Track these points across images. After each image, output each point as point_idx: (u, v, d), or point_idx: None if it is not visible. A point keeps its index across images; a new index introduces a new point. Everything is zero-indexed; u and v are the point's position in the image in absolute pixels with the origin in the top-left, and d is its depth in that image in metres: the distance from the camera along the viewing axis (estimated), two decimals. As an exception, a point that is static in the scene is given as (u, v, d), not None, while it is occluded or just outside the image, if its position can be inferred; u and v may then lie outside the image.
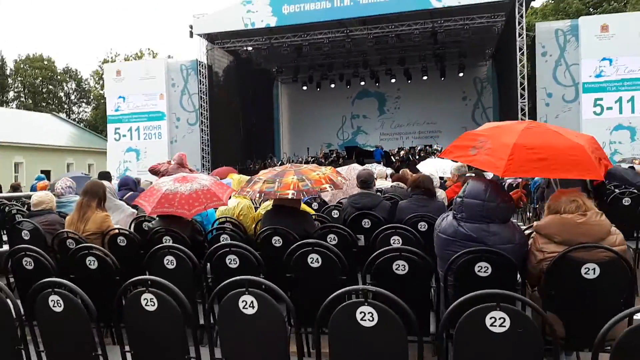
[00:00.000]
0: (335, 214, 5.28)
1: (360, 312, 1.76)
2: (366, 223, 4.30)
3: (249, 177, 5.31)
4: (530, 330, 1.63)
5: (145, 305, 2.09)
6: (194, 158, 20.53)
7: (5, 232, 5.33)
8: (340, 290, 1.81)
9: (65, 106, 45.85)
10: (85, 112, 46.95)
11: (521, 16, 18.64)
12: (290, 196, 3.61)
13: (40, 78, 43.05)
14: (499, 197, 2.47)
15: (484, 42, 23.46)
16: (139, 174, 17.82)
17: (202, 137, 22.35)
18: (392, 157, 22.63)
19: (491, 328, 1.65)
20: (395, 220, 4.42)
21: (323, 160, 23.12)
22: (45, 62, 43.35)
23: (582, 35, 18.47)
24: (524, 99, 18.97)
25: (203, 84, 22.30)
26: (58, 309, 2.21)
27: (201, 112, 22.27)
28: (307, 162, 22.97)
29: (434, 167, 8.71)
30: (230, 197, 4.32)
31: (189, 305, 2.05)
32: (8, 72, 42.68)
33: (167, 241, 3.81)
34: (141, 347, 2.18)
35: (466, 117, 26.75)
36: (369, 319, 1.75)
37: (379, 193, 5.23)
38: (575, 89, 18.74)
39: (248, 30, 21.25)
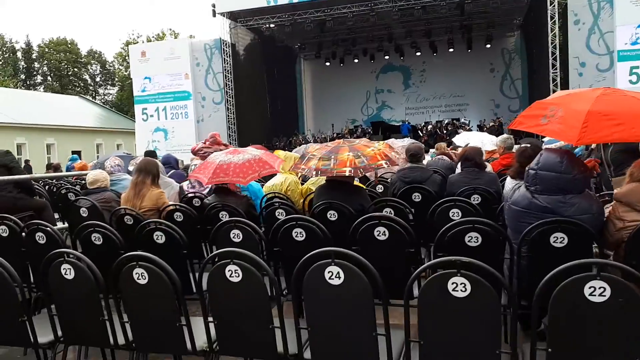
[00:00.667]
0: (379, 188, 5.28)
1: (453, 283, 1.76)
2: (416, 197, 4.28)
3: (295, 153, 5.34)
4: (631, 299, 1.62)
5: (230, 276, 2.14)
6: (221, 137, 20.66)
7: (59, 211, 5.48)
8: (429, 264, 1.81)
9: (91, 88, 46.46)
10: (111, 93, 47.54)
11: (553, -17, 18.03)
12: (347, 173, 3.62)
13: (65, 61, 43.58)
14: (575, 169, 2.43)
15: (512, 12, 22.76)
16: (167, 153, 17.99)
17: (228, 115, 22.43)
18: (419, 131, 22.39)
19: (590, 298, 1.65)
20: (446, 194, 4.40)
21: (348, 136, 23.00)
22: (69, 46, 43.80)
23: (616, 1, 17.76)
24: (556, 69, 18.48)
25: (227, 63, 22.27)
26: (143, 281, 2.28)
27: (226, 91, 22.30)
28: (332, 139, 22.91)
29: (471, 140, 8.58)
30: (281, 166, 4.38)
31: (266, 275, 2.08)
32: (34, 56, 43.31)
33: (224, 216, 3.88)
34: (225, 315, 2.24)
35: (494, 90, 26.21)
36: (461, 290, 1.76)
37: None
38: (610, 57, 18.13)
39: (271, 7, 21.03)
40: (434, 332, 1.87)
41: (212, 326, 2.30)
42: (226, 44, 22.25)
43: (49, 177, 7.34)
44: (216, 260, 2.19)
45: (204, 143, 8.24)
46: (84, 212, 4.29)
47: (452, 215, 3.39)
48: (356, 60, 26.57)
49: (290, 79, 28.13)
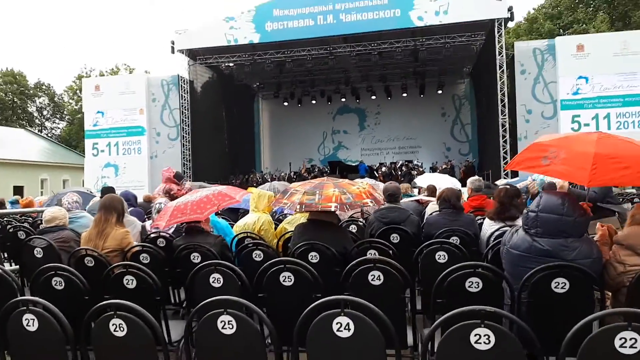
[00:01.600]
0: (353, 228, 5.17)
1: (476, 335, 1.65)
2: (395, 238, 4.20)
3: (270, 192, 5.18)
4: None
5: (222, 328, 1.94)
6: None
7: (4, 251, 5.01)
8: (462, 309, 1.69)
9: (37, 121, 44.53)
10: (59, 127, 45.72)
11: (500, 35, 19.13)
12: (333, 209, 3.49)
13: (11, 93, 41.74)
14: (576, 211, 2.41)
15: (463, 60, 23.96)
16: (118, 190, 17.28)
17: (184, 152, 21.97)
18: (374, 172, 22.70)
19: (621, 350, 1.57)
20: (424, 234, 4.35)
21: (306, 175, 23.01)
22: (17, 77, 42.10)
23: (559, 54, 19.04)
24: (505, 115, 19.37)
25: (184, 99, 22.00)
26: (120, 334, 2.03)
27: (182, 127, 21.93)
28: (290, 178, 22.84)
29: (433, 182, 8.69)
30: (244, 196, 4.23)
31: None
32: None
33: (196, 258, 3.64)
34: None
35: (445, 133, 27.18)
36: (484, 342, 1.64)
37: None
38: (554, 106, 19.24)
39: (231, 46, 21.15)
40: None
41: (198, 383, 2.06)
42: (184, 80, 22.03)
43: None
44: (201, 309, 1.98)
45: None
46: (38, 252, 3.92)
47: (438, 258, 3.31)
48: (314, 101, 26.98)
49: (248, 117, 28.14)
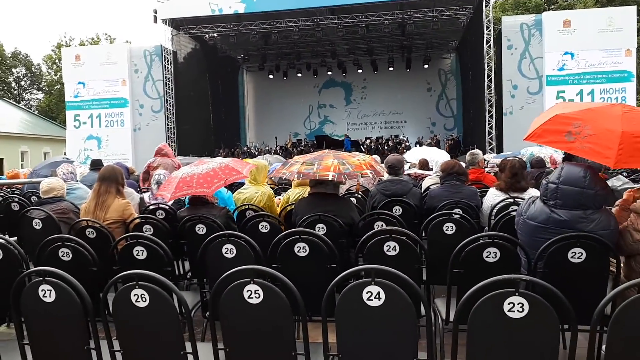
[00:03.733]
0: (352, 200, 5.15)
1: (509, 303, 1.66)
2: (397, 210, 4.20)
3: (264, 161, 5.13)
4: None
5: (249, 297, 1.92)
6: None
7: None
8: (496, 278, 1.70)
9: (15, 92, 43.13)
10: (37, 98, 44.36)
11: (488, 9, 19.04)
12: (330, 178, 3.46)
13: (-14, 62, 40.28)
14: (597, 185, 2.42)
15: (449, 34, 23.84)
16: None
17: (168, 124, 21.60)
18: (361, 146, 22.69)
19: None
20: (426, 207, 4.37)
21: (293, 150, 22.91)
22: (-7, 47, 40.59)
23: (545, 29, 19.06)
24: (491, 90, 19.43)
25: (168, 70, 21.51)
26: (142, 304, 2.00)
27: (166, 99, 21.50)
28: (275, 152, 22.71)
29: (424, 155, 8.72)
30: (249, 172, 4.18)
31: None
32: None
33: (201, 229, 3.61)
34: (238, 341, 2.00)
35: (430, 108, 27.23)
36: (518, 310, 1.66)
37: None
38: (539, 81, 19.35)
39: (215, 16, 20.65)
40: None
41: (222, 353, 2.05)
42: (167, 51, 21.50)
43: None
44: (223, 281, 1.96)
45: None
46: (37, 223, 3.83)
47: (446, 230, 3.32)
48: (299, 75, 26.67)
49: (233, 89, 27.71)
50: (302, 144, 24.09)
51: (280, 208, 4.54)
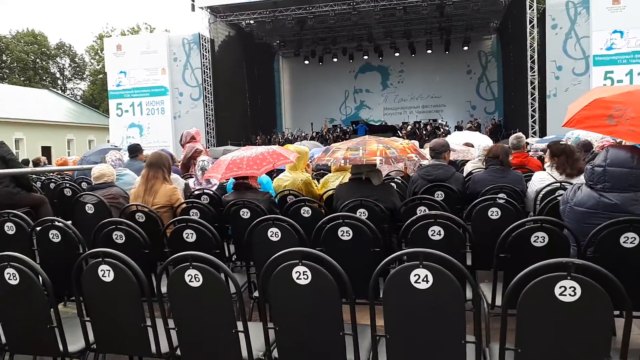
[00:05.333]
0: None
1: (561, 287, 1.64)
2: (439, 195, 4.17)
3: (305, 147, 5.18)
4: None
5: (297, 278, 1.97)
6: (200, 134, 20.25)
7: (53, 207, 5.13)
8: (548, 262, 1.68)
9: (59, 82, 44.79)
10: (80, 88, 45.97)
11: (531, -12, 18.37)
12: (378, 162, 3.47)
13: (32, 54, 41.86)
14: (645, 164, 2.36)
15: (490, 15, 23.16)
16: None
17: (206, 112, 22.00)
18: (398, 131, 22.45)
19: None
20: (469, 192, 4.31)
21: (328, 136, 22.91)
22: (37, 38, 42.07)
23: (593, 7, 18.24)
24: (534, 72, 18.82)
25: (206, 58, 21.83)
26: (196, 284, 2.08)
27: (204, 87, 21.87)
28: (312, 138, 22.76)
29: (466, 139, 8.57)
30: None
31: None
32: (1, 48, 41.37)
33: (245, 213, 3.69)
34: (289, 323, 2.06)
35: (470, 91, 26.61)
36: (570, 294, 1.64)
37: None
38: (586, 61, 18.59)
39: (252, 2, 20.77)
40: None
41: (272, 332, 2.12)
42: (205, 39, 21.81)
43: (42, 171, 6.89)
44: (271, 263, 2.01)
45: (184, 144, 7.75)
46: (89, 208, 4.00)
47: (491, 215, 3.28)
48: (335, 60, 26.54)
49: (269, 76, 27.88)
50: (338, 130, 24.01)
51: (320, 192, 4.57)
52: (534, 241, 2.42)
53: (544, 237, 2.40)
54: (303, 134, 24.33)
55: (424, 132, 21.78)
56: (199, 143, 7.65)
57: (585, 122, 2.53)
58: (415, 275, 1.82)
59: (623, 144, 3.16)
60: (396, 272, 1.85)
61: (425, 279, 1.81)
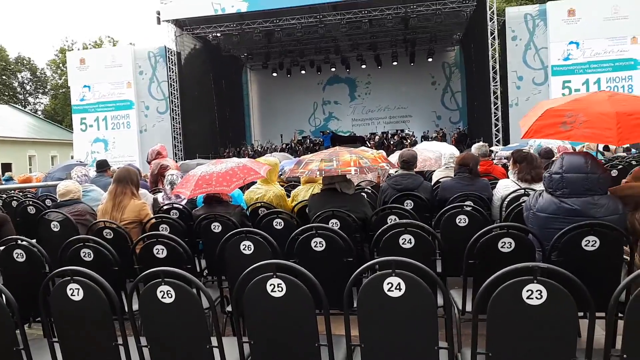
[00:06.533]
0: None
1: (528, 290, 1.70)
2: (408, 204, 4.24)
3: (276, 159, 5.18)
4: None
5: (272, 291, 1.97)
6: (166, 147, 19.94)
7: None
8: (515, 266, 1.74)
9: (20, 96, 43.43)
10: (42, 102, 44.66)
11: (492, 1, 18.97)
12: (353, 172, 3.52)
13: (-9, 68, 40.56)
14: (599, 168, 2.47)
15: (453, 27, 23.79)
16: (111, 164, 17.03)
17: (174, 125, 21.75)
18: (367, 142, 22.69)
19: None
20: (438, 198, 4.40)
21: (298, 147, 22.96)
22: (-4, 52, 40.85)
23: (550, 19, 19.00)
24: (496, 82, 19.39)
25: (172, 71, 21.63)
26: (168, 300, 2.05)
27: (171, 100, 21.63)
28: (282, 150, 22.75)
29: (432, 149, 8.73)
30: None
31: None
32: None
33: (217, 227, 3.66)
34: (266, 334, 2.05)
35: (436, 101, 27.19)
36: (536, 297, 1.70)
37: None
38: (545, 72, 19.30)
39: (218, 15, 20.74)
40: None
41: (246, 347, 2.11)
42: (171, 52, 21.62)
43: (5, 188, 6.65)
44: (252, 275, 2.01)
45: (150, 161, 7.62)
46: (55, 226, 3.90)
47: (459, 222, 3.36)
48: (303, 72, 26.69)
49: (237, 89, 27.81)
50: (308, 141, 24.09)
51: (291, 204, 4.59)
52: (501, 247, 2.49)
53: (511, 243, 2.48)
54: (273, 146, 24.29)
55: (392, 142, 22.08)
56: (166, 158, 7.55)
57: (542, 132, 2.65)
58: (388, 284, 1.85)
59: (578, 149, 3.31)
60: (369, 281, 1.87)
61: (398, 287, 1.84)
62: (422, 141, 21.74)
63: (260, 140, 27.27)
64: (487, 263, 2.48)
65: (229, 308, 3.02)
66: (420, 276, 1.85)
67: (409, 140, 22.32)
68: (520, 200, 3.83)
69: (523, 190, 3.95)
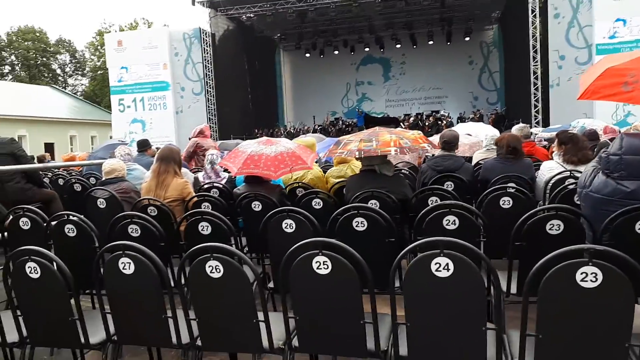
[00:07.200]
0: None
1: (582, 273, 1.66)
2: (449, 186, 4.18)
3: (312, 138, 5.19)
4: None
5: (317, 268, 1.99)
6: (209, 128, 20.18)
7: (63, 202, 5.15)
8: (569, 248, 1.70)
9: (60, 78, 44.77)
10: (82, 84, 45.96)
11: (534, -23, 18.26)
12: (392, 153, 3.48)
13: (34, 50, 41.84)
14: (661, 151, 2.37)
15: (492, 5, 23.01)
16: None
17: (208, 106, 21.98)
18: (401, 123, 22.41)
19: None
20: (480, 179, 4.33)
21: (332, 129, 22.89)
22: (38, 34, 42.04)
23: (595, -5, 18.14)
24: (537, 62, 18.75)
25: (207, 53, 21.79)
26: (216, 275, 2.10)
27: (206, 82, 21.84)
28: (314, 131, 22.73)
29: (471, 131, 8.56)
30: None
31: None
32: (2, 45, 41.34)
33: (257, 206, 3.71)
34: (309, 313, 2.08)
35: (473, 82, 26.51)
36: (591, 280, 1.65)
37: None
38: (589, 50, 18.48)
39: (253, -5, 20.68)
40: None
41: (291, 322, 2.15)
42: (206, 34, 21.75)
43: (53, 166, 6.92)
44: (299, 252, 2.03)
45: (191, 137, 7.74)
46: (101, 203, 4.03)
47: (502, 204, 3.30)
48: (336, 52, 26.43)
49: (270, 70, 27.80)
50: (340, 123, 23.97)
51: (331, 184, 4.59)
52: (549, 229, 2.43)
53: (560, 225, 2.42)
54: (305, 127, 24.30)
55: (427, 124, 21.73)
56: (207, 139, 7.67)
57: (600, 92, 2.53)
58: (436, 264, 1.84)
59: (624, 130, 3.16)
60: (417, 261, 1.87)
61: (446, 267, 1.83)
62: (458, 122, 21.35)
63: (292, 121, 27.27)
64: (535, 245, 2.42)
65: (271, 284, 3.07)
66: (468, 257, 1.83)
67: (444, 122, 21.91)
68: (566, 183, 3.73)
69: (569, 172, 3.83)
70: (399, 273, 2.52)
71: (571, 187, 3.44)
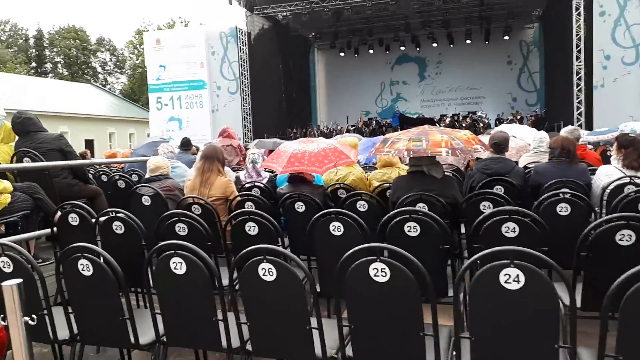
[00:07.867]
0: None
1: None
2: (499, 190, 4.02)
3: (354, 138, 5.09)
4: None
5: (375, 275, 1.90)
6: (235, 127, 20.24)
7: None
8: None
9: (100, 76, 46.13)
10: (121, 82, 47.25)
11: (578, -27, 17.65)
12: (444, 154, 3.36)
13: (75, 49, 43.25)
14: None
15: (533, 3, 22.36)
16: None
17: (243, 105, 22.14)
18: (436, 124, 22.04)
19: None
20: (530, 184, 4.15)
21: (365, 129, 22.72)
22: (79, 33, 43.46)
23: (645, -8, 17.38)
24: (580, 62, 18.11)
25: (243, 52, 21.96)
26: (269, 278, 2.04)
27: (242, 81, 22.00)
28: (347, 131, 22.60)
29: (513, 133, 8.29)
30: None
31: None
32: (45, 43, 42.92)
33: (300, 207, 3.65)
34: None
35: (511, 82, 25.83)
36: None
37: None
38: (636, 50, 17.74)
39: (288, -6, 20.72)
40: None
41: (345, 330, 2.07)
42: (242, 33, 21.93)
43: (98, 163, 7.09)
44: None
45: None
46: (146, 200, 4.05)
47: (560, 211, 3.13)
48: (371, 51, 26.21)
49: (304, 69, 27.81)
50: (374, 123, 23.75)
51: (374, 186, 4.49)
52: (619, 239, 2.27)
53: (631, 235, 2.26)
54: (338, 127, 24.19)
55: (463, 125, 21.30)
56: (232, 139, 7.67)
57: None
58: (505, 275, 1.73)
59: None
60: (484, 271, 1.76)
61: (516, 279, 1.72)
62: (496, 124, 20.84)
63: (325, 121, 27.17)
64: (602, 256, 2.28)
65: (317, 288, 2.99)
66: (539, 267, 1.71)
67: (481, 124, 21.46)
68: (626, 190, 3.53)
69: (628, 179, 3.63)
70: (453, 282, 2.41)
71: (633, 194, 3.24)
